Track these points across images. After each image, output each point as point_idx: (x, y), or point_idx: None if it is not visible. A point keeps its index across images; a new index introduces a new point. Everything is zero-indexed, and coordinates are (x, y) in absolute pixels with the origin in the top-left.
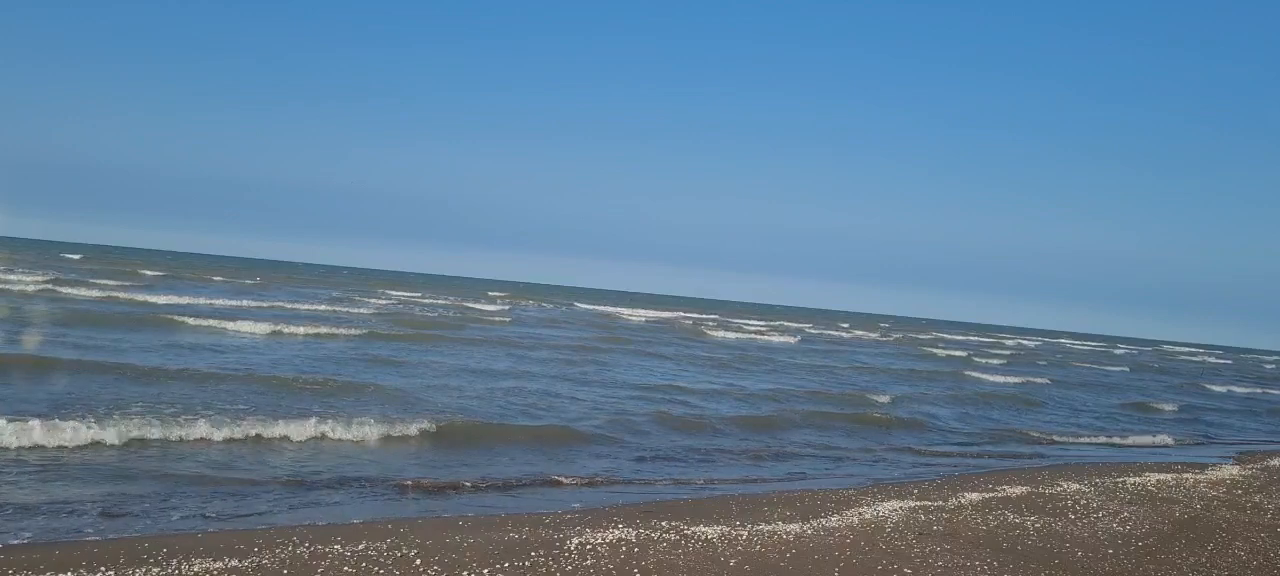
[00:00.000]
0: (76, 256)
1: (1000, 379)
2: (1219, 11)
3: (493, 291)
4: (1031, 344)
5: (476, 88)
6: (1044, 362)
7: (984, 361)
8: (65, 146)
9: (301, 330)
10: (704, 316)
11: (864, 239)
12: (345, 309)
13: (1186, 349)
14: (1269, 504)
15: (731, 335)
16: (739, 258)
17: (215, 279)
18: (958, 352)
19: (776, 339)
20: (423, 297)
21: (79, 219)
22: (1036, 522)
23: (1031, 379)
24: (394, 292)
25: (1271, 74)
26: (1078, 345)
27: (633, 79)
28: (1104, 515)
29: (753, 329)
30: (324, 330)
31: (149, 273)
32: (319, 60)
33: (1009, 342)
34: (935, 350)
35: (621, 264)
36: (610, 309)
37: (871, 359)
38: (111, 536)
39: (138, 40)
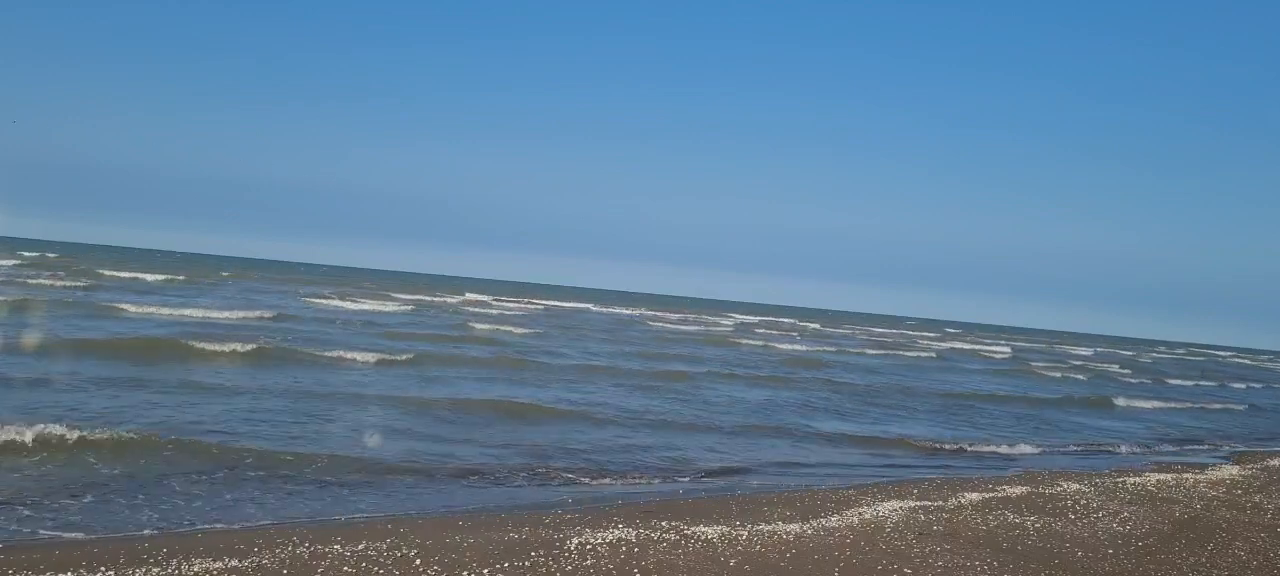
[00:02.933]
0: (29, 253)
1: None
2: (1219, 12)
3: (497, 293)
4: (1085, 351)
5: (476, 88)
6: (1211, 383)
7: (1127, 381)
8: (65, 146)
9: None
10: (755, 320)
11: (864, 239)
12: (456, 326)
13: (1201, 350)
14: (1269, 504)
15: (799, 348)
16: (739, 258)
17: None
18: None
19: (840, 353)
20: (490, 304)
21: (78, 219)
22: (1036, 522)
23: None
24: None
25: (1271, 74)
26: (1129, 350)
27: (633, 79)
28: (1104, 515)
29: (760, 333)
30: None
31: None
32: (319, 60)
33: (1085, 351)
34: (1038, 365)
35: (621, 264)
36: (643, 311)
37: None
38: (112, 536)
39: (138, 40)
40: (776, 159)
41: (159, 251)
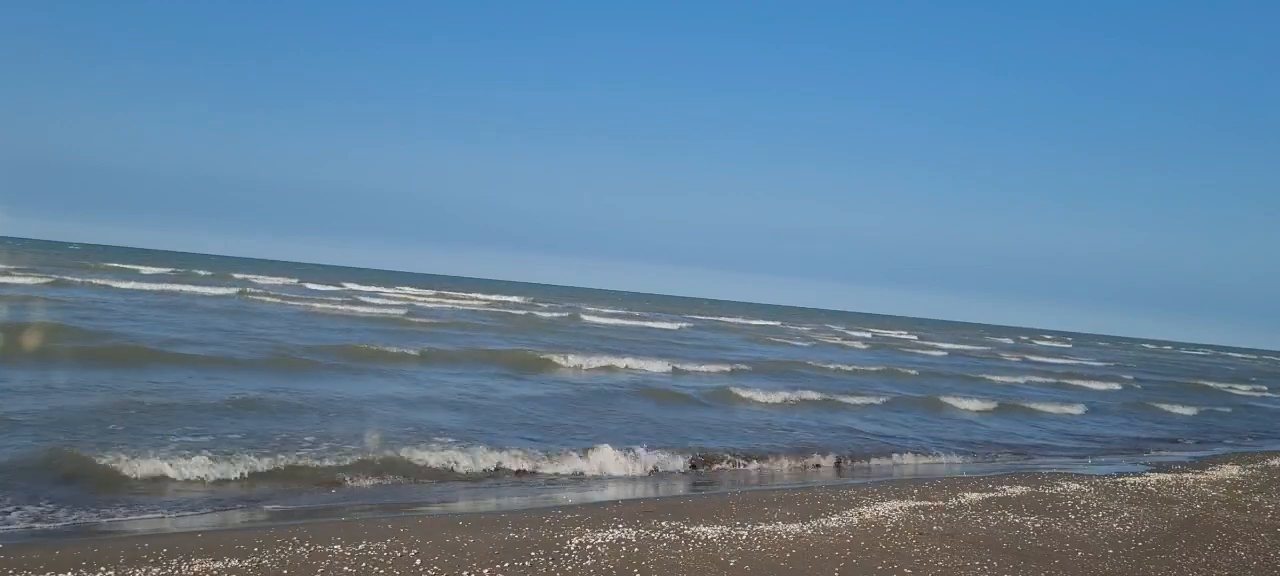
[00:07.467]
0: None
1: None
2: (1220, 12)
3: (508, 294)
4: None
5: (476, 88)
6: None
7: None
8: (65, 146)
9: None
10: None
11: (864, 239)
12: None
13: (1207, 350)
14: (1269, 504)
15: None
16: (739, 258)
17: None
18: None
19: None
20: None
21: (78, 218)
22: (1036, 522)
23: None
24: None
25: (1275, 76)
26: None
27: (632, 79)
28: (1104, 515)
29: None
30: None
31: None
32: (319, 60)
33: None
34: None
35: (620, 263)
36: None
37: None
38: (111, 535)
39: (137, 40)
40: (776, 159)
41: (157, 251)
